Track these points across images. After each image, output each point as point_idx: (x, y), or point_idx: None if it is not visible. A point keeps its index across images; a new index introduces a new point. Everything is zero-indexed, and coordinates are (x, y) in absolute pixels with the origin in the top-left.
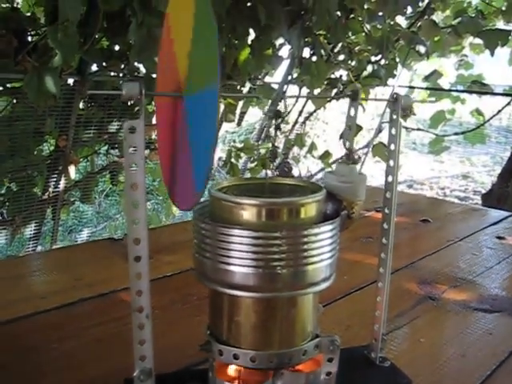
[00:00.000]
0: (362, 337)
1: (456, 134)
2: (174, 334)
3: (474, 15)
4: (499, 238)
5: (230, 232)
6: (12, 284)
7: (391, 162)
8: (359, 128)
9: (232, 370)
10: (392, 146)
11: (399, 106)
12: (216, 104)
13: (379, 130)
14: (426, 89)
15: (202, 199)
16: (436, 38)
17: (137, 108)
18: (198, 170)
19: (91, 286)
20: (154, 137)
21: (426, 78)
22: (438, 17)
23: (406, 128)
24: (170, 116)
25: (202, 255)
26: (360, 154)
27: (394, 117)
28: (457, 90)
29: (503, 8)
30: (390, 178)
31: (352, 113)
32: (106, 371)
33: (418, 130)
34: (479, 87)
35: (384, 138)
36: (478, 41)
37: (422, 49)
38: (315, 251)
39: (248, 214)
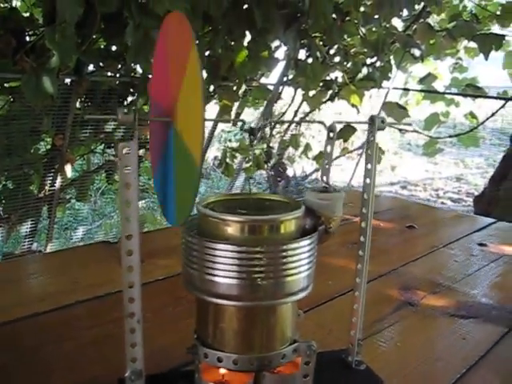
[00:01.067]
0: (344, 341)
1: (450, 136)
2: (164, 337)
3: (468, 19)
4: (481, 244)
5: (215, 246)
6: (10, 287)
7: (368, 180)
8: (354, 129)
9: (216, 372)
10: (369, 166)
11: (375, 129)
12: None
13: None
14: (421, 91)
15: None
16: (431, 41)
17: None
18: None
19: (88, 289)
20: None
21: (421, 81)
22: (433, 20)
23: (401, 130)
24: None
25: (189, 266)
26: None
27: (371, 139)
28: (451, 93)
29: (498, 12)
30: (365, 196)
31: (328, 149)
32: (102, 372)
33: (414, 131)
34: (473, 90)
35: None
36: (473, 44)
37: (416, 52)
38: (294, 264)
39: (232, 229)
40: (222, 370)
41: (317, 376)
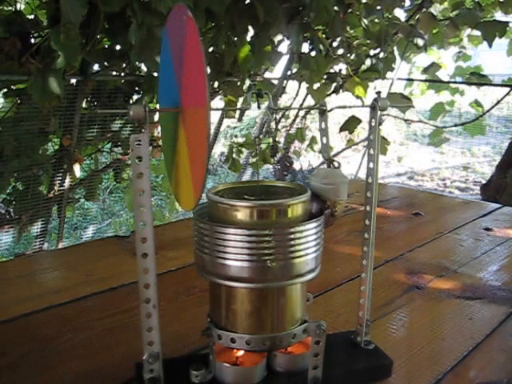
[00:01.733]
0: (352, 323)
1: (456, 125)
2: (178, 324)
3: (471, 7)
4: (487, 229)
5: (225, 231)
6: (27, 281)
7: (371, 165)
8: (359, 121)
9: (230, 353)
10: (371, 151)
11: (377, 114)
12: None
13: (379, 123)
14: (425, 81)
15: (201, 201)
16: (434, 31)
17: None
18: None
19: (101, 281)
20: (156, 134)
21: (425, 71)
22: (435, 9)
23: (406, 120)
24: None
25: (201, 251)
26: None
27: (373, 124)
28: (455, 82)
29: None
30: (370, 179)
31: (323, 126)
32: (117, 358)
33: (419, 121)
34: (478, 78)
35: (384, 129)
36: (477, 32)
37: (420, 42)
38: (301, 246)
39: (241, 214)
40: (236, 352)
41: (327, 356)
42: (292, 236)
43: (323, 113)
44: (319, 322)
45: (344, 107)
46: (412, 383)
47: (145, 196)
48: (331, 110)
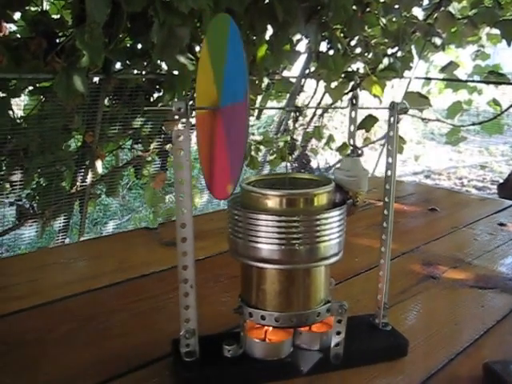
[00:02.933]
0: (370, 308)
1: (473, 124)
2: (208, 307)
3: (490, 5)
4: (501, 224)
5: (257, 217)
6: (63, 268)
7: (390, 159)
8: (375, 119)
9: (260, 330)
10: (390, 147)
11: (396, 113)
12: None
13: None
14: (443, 80)
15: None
16: (452, 29)
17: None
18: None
19: (133, 269)
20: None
21: (443, 69)
22: (454, 8)
23: (423, 119)
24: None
25: (235, 236)
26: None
27: (392, 121)
28: (473, 81)
29: None
30: (389, 173)
31: (353, 115)
32: (153, 337)
33: (437, 120)
34: (496, 77)
35: (401, 129)
36: (495, 31)
37: (437, 40)
38: (326, 232)
39: (272, 202)
40: (265, 329)
41: (347, 335)
42: (318, 222)
43: (355, 103)
44: (341, 302)
45: (364, 108)
46: (426, 362)
47: (185, 185)
48: (354, 97)
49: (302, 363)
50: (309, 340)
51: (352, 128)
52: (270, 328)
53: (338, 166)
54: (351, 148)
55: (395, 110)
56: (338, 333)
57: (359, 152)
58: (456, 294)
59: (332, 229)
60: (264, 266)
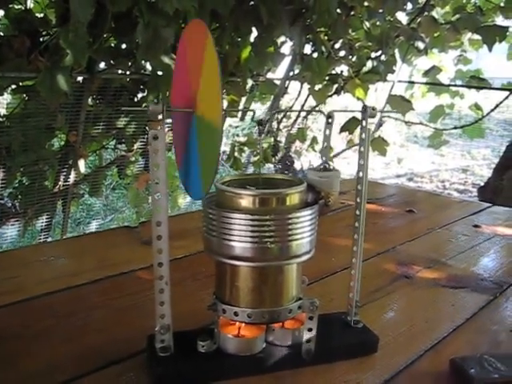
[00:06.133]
0: (343, 306)
1: (455, 127)
2: (185, 304)
3: (472, 11)
4: (475, 226)
5: (231, 216)
6: (45, 265)
7: (361, 161)
8: (359, 122)
9: (233, 326)
10: (362, 148)
11: (367, 116)
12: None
13: (379, 125)
14: (426, 84)
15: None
16: (435, 34)
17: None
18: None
19: (113, 266)
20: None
21: (426, 73)
22: (437, 13)
23: (407, 122)
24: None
25: (209, 234)
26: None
27: (364, 124)
28: (456, 85)
29: (502, 4)
30: (360, 174)
31: (327, 133)
32: (130, 333)
33: (419, 123)
34: (477, 82)
35: (384, 132)
36: (477, 36)
37: (421, 45)
38: (298, 230)
39: (245, 202)
40: (238, 325)
41: (319, 332)
42: (290, 221)
43: (330, 121)
44: (313, 299)
45: (338, 111)
46: (395, 358)
47: (160, 185)
48: (330, 116)
49: (274, 359)
50: (281, 336)
51: (325, 144)
52: (243, 324)
53: (310, 167)
54: (323, 164)
55: (366, 113)
56: (310, 329)
57: (331, 168)
58: (428, 293)
59: (304, 228)
60: (237, 263)
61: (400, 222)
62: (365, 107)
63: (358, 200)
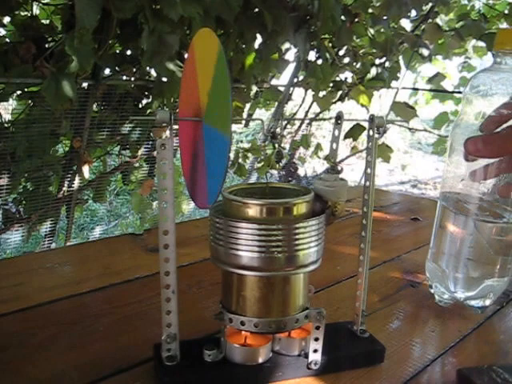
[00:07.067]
0: (349, 315)
1: None
2: (190, 313)
3: (477, 18)
4: None
5: (239, 225)
6: (49, 272)
7: (368, 170)
8: (363, 128)
9: (240, 336)
10: (369, 158)
11: (374, 125)
12: (227, 148)
13: (384, 131)
14: (430, 90)
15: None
16: (440, 41)
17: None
18: (212, 182)
19: (118, 274)
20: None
21: (430, 80)
22: (441, 20)
23: (411, 129)
24: (191, 134)
25: (216, 243)
26: (365, 155)
27: (371, 133)
28: (460, 92)
29: (506, 11)
30: (367, 183)
31: (336, 133)
32: (136, 341)
33: (424, 130)
34: None
35: (388, 138)
36: (481, 43)
37: (425, 52)
38: (305, 240)
39: (252, 211)
40: (245, 334)
41: (325, 341)
42: (297, 231)
43: (339, 122)
44: (319, 309)
45: (345, 120)
46: (402, 368)
47: (168, 194)
48: (339, 116)
49: (281, 368)
50: (288, 346)
51: (334, 146)
52: (250, 333)
53: (318, 177)
54: (331, 165)
55: (374, 122)
56: (316, 339)
57: (339, 169)
58: (434, 302)
59: (311, 237)
60: (244, 272)
61: (405, 230)
62: (372, 116)
63: (365, 209)
